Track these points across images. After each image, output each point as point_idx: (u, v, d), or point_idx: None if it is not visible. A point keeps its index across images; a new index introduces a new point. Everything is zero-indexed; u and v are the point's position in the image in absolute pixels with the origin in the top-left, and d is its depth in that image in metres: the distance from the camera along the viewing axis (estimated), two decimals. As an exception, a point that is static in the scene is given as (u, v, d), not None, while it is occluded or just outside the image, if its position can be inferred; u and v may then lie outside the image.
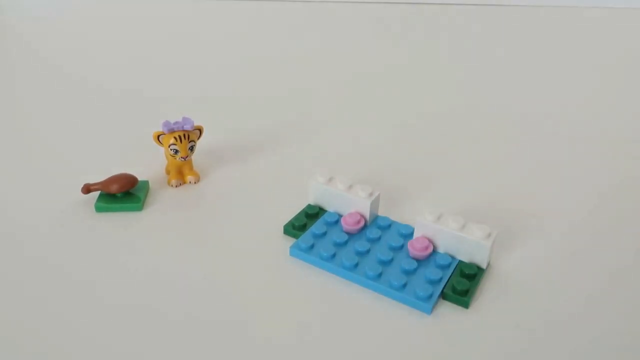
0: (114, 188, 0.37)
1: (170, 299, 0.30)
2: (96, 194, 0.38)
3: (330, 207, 0.36)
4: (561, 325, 0.29)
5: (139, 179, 0.39)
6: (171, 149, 0.39)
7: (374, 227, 0.35)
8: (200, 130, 0.41)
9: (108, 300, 0.30)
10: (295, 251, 0.33)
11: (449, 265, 0.31)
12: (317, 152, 0.46)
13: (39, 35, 0.82)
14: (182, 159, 0.39)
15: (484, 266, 0.31)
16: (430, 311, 0.29)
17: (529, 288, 0.31)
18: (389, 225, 0.35)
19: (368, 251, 0.32)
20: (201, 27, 0.87)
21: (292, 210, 0.36)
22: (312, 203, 0.37)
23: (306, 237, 0.33)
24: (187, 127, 0.39)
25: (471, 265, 0.31)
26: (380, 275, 0.31)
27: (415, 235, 0.33)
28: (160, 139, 0.39)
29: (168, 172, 0.42)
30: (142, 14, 0.94)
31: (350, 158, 0.45)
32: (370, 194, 0.34)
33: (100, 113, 0.54)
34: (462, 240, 0.31)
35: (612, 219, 0.38)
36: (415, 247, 0.32)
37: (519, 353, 0.27)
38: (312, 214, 0.35)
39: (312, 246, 0.33)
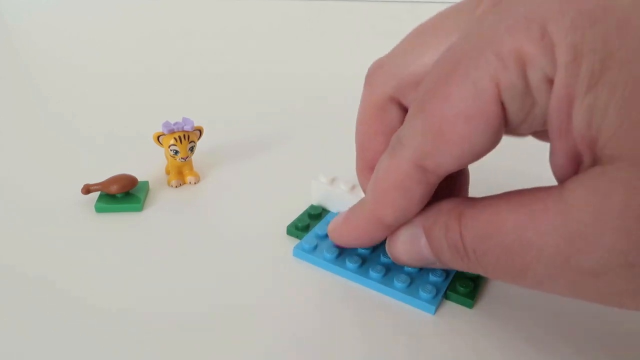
0: (114, 188, 0.37)
1: (171, 299, 0.30)
2: (96, 194, 0.38)
3: (333, 207, 0.36)
4: (566, 326, 0.29)
5: (139, 179, 0.39)
6: (171, 150, 0.39)
7: (377, 228, 0.35)
8: (200, 130, 0.41)
9: (108, 301, 0.29)
10: (298, 252, 0.33)
11: (452, 266, 0.31)
12: (320, 153, 0.46)
13: (38, 34, 0.82)
14: (182, 160, 0.39)
15: (487, 267, 0.31)
16: (434, 312, 0.29)
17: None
18: (392, 226, 0.35)
19: (372, 252, 0.32)
20: (201, 26, 0.87)
21: (295, 210, 0.36)
22: (314, 204, 0.37)
23: (309, 237, 0.33)
24: (187, 127, 0.39)
25: (474, 266, 0.31)
26: (383, 276, 0.31)
27: (419, 236, 0.33)
28: (160, 139, 0.39)
29: (168, 173, 0.42)
30: (141, 12, 0.94)
31: (353, 158, 0.45)
32: (373, 195, 0.34)
33: (100, 113, 0.54)
34: (466, 241, 0.31)
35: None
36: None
37: (522, 353, 0.27)
38: (315, 214, 0.35)
39: (315, 247, 0.33)
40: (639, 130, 0.16)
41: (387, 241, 0.27)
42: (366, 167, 0.30)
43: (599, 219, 0.17)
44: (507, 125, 0.20)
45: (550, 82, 0.18)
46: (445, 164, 0.22)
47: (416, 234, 0.25)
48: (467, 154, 0.21)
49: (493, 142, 0.21)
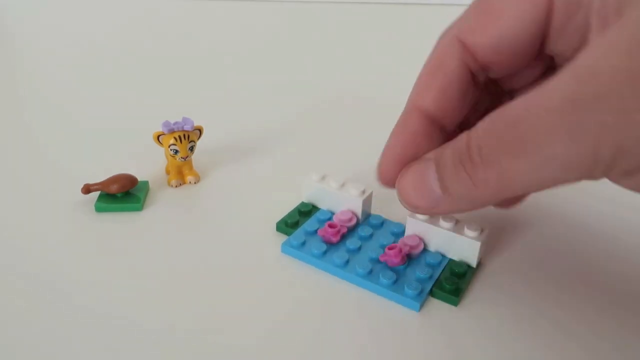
0: (114, 188, 0.38)
1: (171, 297, 0.30)
2: (96, 194, 0.39)
3: (323, 204, 0.36)
4: (551, 324, 0.28)
5: (139, 179, 0.40)
6: (171, 149, 0.39)
7: (366, 225, 0.35)
8: (200, 130, 0.41)
9: (107, 300, 0.30)
10: (286, 248, 0.33)
11: (439, 264, 0.31)
12: (311, 151, 0.47)
13: (38, 32, 0.84)
14: (182, 159, 0.40)
15: (474, 264, 0.31)
16: (418, 309, 0.29)
17: (518, 287, 0.31)
18: (381, 224, 0.35)
19: (359, 249, 0.33)
20: (200, 26, 0.88)
21: (286, 208, 0.37)
22: (305, 201, 0.37)
23: (298, 234, 0.33)
24: (187, 127, 0.40)
25: (461, 263, 0.31)
26: (369, 272, 0.31)
27: (407, 233, 0.33)
28: (160, 139, 0.40)
29: (168, 172, 0.42)
30: (141, 11, 0.95)
31: (344, 156, 0.45)
32: (363, 192, 0.35)
33: (100, 112, 0.55)
34: (453, 239, 0.31)
35: (605, 217, 0.37)
36: (405, 245, 0.32)
37: (507, 351, 0.27)
38: (305, 211, 0.36)
39: (303, 243, 0.33)
40: None
41: (397, 179, 0.25)
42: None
43: (605, 53, 0.17)
44: (550, 23, 0.21)
45: None
46: (482, 42, 0.23)
47: (426, 165, 0.23)
48: (504, 32, 0.22)
49: (532, 31, 0.21)
